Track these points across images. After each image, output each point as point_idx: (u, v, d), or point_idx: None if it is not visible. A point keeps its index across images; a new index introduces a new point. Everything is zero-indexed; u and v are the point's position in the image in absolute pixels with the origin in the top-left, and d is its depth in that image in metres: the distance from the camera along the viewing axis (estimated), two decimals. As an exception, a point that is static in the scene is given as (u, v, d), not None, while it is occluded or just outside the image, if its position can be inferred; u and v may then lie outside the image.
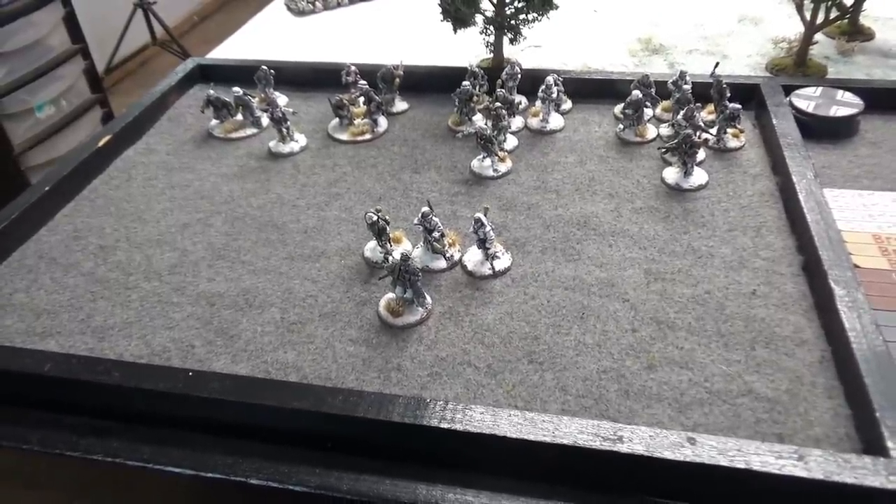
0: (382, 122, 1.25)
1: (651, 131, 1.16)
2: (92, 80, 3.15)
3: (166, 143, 1.26)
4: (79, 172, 1.14)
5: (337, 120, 1.25)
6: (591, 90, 1.27)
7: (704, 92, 1.16)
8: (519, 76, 1.24)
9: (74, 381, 0.75)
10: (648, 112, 1.19)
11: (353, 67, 1.29)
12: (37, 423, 0.76)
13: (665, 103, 1.21)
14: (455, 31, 1.33)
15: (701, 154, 1.07)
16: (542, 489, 0.66)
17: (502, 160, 1.11)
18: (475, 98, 1.21)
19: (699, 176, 1.04)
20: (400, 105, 1.31)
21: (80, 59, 3.04)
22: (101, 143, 1.18)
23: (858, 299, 0.77)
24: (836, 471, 0.60)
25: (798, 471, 0.60)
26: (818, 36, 1.41)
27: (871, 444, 0.65)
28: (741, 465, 0.61)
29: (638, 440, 0.63)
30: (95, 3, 3.82)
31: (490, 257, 0.91)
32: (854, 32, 1.49)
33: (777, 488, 0.61)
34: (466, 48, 1.46)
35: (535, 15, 1.29)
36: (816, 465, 0.60)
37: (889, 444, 0.62)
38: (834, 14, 1.28)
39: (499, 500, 0.66)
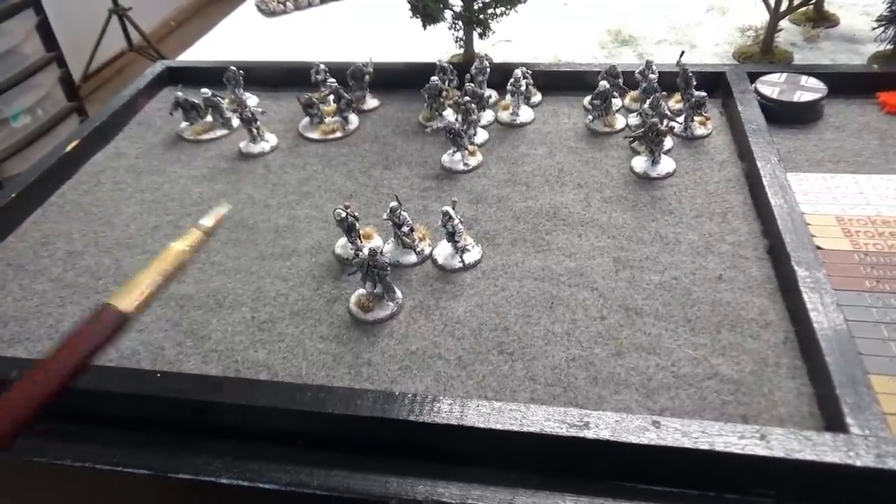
0: (353, 119, 1.25)
1: (620, 121, 1.17)
2: (68, 88, 3.13)
3: (136, 146, 1.26)
4: (47, 178, 1.13)
5: (307, 119, 1.25)
6: (560, 82, 1.28)
7: (672, 81, 1.17)
8: (488, 70, 1.24)
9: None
10: (617, 102, 1.20)
11: (322, 66, 1.29)
12: (4, 430, 0.75)
13: (633, 93, 1.22)
14: (424, 27, 1.33)
15: (669, 142, 1.08)
16: (512, 477, 0.67)
17: (472, 154, 1.11)
18: (444, 93, 1.21)
19: (667, 164, 1.05)
20: (371, 102, 1.31)
21: (55, 67, 3.02)
22: (68, 148, 1.17)
23: (820, 280, 0.78)
24: (798, 448, 0.61)
25: (760, 450, 0.61)
26: (784, 23, 1.42)
27: (833, 422, 0.66)
28: (705, 447, 0.61)
29: (604, 425, 0.64)
30: (70, 10, 3.78)
31: (460, 250, 0.91)
32: (819, 19, 1.51)
33: (741, 467, 0.62)
34: (437, 44, 1.46)
35: (503, 9, 1.30)
36: (778, 443, 0.61)
37: (848, 420, 0.63)
38: (797, 1, 1.30)
39: (468, 489, 0.66)
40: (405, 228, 0.91)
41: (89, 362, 0.61)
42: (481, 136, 1.17)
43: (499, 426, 0.65)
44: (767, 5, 1.32)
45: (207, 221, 0.74)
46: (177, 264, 0.70)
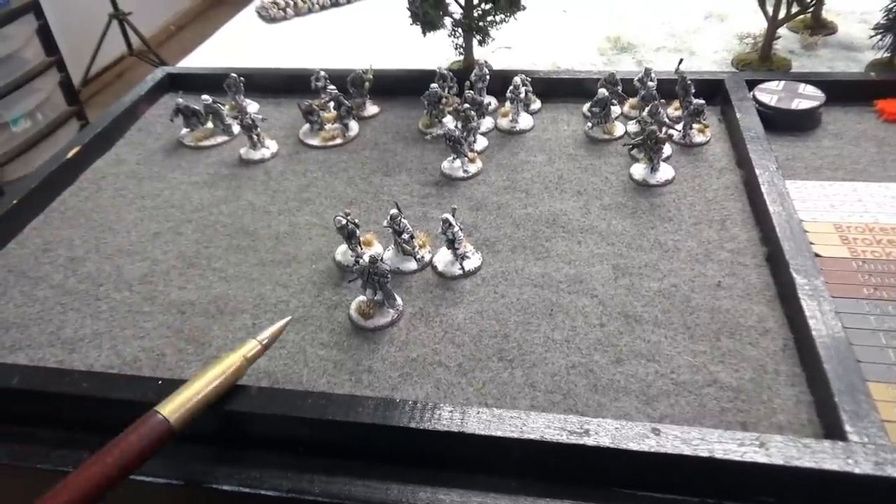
0: (353, 126, 1.26)
1: (619, 129, 1.18)
2: (68, 93, 3.13)
3: (136, 152, 1.26)
4: (48, 185, 1.13)
5: (307, 125, 1.25)
6: (559, 89, 1.29)
7: (671, 89, 1.17)
8: (488, 77, 1.25)
9: (43, 392, 0.74)
10: (616, 110, 1.20)
11: (322, 73, 1.29)
12: (5, 437, 0.75)
13: (632, 100, 1.22)
14: (424, 34, 1.34)
15: (668, 150, 1.09)
16: (513, 484, 0.67)
17: (472, 161, 1.12)
18: (444, 100, 1.22)
19: (665, 171, 1.05)
20: (371, 109, 1.31)
21: (55, 72, 3.03)
22: (69, 155, 1.17)
23: (818, 287, 0.78)
24: (797, 455, 0.61)
25: (759, 457, 0.61)
26: (783, 31, 1.43)
27: (832, 429, 0.67)
28: (704, 454, 0.62)
29: (604, 433, 0.64)
30: (70, 14, 3.80)
31: (460, 257, 0.91)
32: (817, 27, 1.51)
33: (741, 474, 0.62)
34: (437, 51, 1.47)
35: (503, 16, 1.31)
36: (777, 450, 0.61)
37: (847, 427, 0.64)
38: (795, 9, 1.30)
39: (469, 496, 0.66)
40: (405, 235, 0.92)
41: (125, 477, 0.60)
42: (481, 143, 1.18)
43: (499, 433, 0.65)
44: (766, 13, 1.33)
45: (265, 334, 0.73)
46: (231, 375, 0.68)
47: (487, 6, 1.29)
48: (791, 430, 0.69)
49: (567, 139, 1.18)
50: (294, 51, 1.72)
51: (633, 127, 1.17)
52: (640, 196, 1.03)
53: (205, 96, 1.26)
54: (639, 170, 1.07)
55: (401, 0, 1.33)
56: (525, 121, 1.22)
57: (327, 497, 0.67)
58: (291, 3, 1.92)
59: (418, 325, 0.85)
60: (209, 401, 0.67)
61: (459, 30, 1.33)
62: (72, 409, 0.75)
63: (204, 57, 1.75)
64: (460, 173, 1.10)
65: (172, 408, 0.64)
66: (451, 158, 1.12)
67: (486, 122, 1.23)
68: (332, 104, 1.25)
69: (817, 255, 0.85)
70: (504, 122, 1.22)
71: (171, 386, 0.74)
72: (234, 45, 1.81)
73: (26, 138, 2.86)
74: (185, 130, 1.28)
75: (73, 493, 0.56)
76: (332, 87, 1.26)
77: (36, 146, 2.88)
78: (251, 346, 0.71)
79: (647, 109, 1.10)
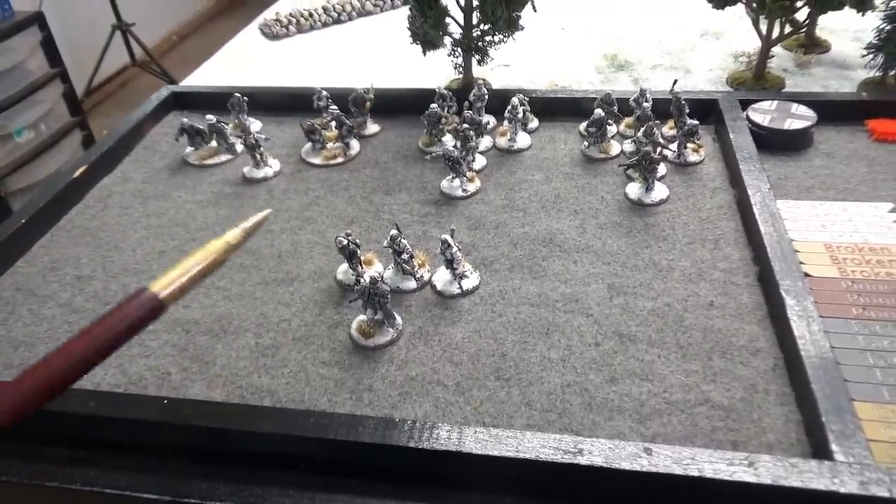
0: (354, 145, 1.28)
1: (615, 148, 1.20)
2: (71, 104, 3.16)
3: (142, 171, 1.28)
4: (55, 203, 1.15)
5: (310, 144, 1.28)
6: (556, 109, 1.31)
7: (665, 108, 1.20)
8: (486, 97, 1.27)
9: (50, 411, 0.76)
10: (612, 129, 1.22)
11: (324, 92, 1.32)
12: (14, 455, 0.77)
13: (628, 120, 1.25)
14: (424, 53, 1.36)
15: (662, 169, 1.11)
16: (508, 502, 0.68)
17: (471, 180, 1.14)
18: (444, 119, 1.24)
19: (660, 191, 1.07)
20: (372, 128, 1.34)
21: (58, 83, 3.06)
22: (76, 174, 1.20)
23: (808, 308, 0.80)
24: (784, 475, 0.63)
25: (748, 477, 0.63)
26: (777, 49, 1.45)
27: (819, 448, 0.68)
28: (695, 473, 0.63)
29: (597, 452, 0.66)
30: (73, 26, 3.83)
31: (458, 277, 0.93)
32: (811, 45, 1.54)
33: (730, 494, 0.64)
34: (437, 70, 1.49)
35: (501, 36, 1.33)
36: (766, 470, 0.63)
37: (833, 447, 0.66)
38: (789, 29, 1.33)
39: (466, 514, 0.68)
40: (405, 255, 0.94)
41: (116, 347, 0.58)
42: (479, 162, 1.20)
43: (495, 453, 0.67)
44: (759, 32, 1.36)
45: (247, 224, 0.73)
46: (216, 258, 0.66)
47: (486, 26, 1.32)
48: (780, 448, 0.71)
49: (564, 158, 1.21)
50: (296, 68, 1.75)
51: (628, 146, 1.20)
52: (635, 215, 1.05)
53: (209, 116, 1.28)
54: (634, 189, 1.09)
55: (401, 19, 1.36)
56: (523, 140, 1.24)
57: (328, 515, 0.69)
58: (294, 20, 1.95)
59: (417, 344, 0.87)
60: (195, 281, 0.65)
61: (459, 49, 1.35)
62: (79, 427, 0.77)
63: (207, 74, 1.77)
64: (459, 192, 1.12)
65: (161, 285, 0.62)
66: (450, 177, 1.14)
67: (485, 142, 1.25)
68: (333, 123, 1.27)
69: (807, 275, 0.87)
70: (502, 142, 1.25)
71: (177, 405, 0.76)
72: (237, 62, 1.84)
73: (30, 149, 2.89)
74: (189, 149, 1.31)
75: (66, 359, 0.56)
76: (333, 106, 1.29)
77: (39, 157, 2.91)
78: (234, 234, 0.72)
79: (642, 130, 1.12)
